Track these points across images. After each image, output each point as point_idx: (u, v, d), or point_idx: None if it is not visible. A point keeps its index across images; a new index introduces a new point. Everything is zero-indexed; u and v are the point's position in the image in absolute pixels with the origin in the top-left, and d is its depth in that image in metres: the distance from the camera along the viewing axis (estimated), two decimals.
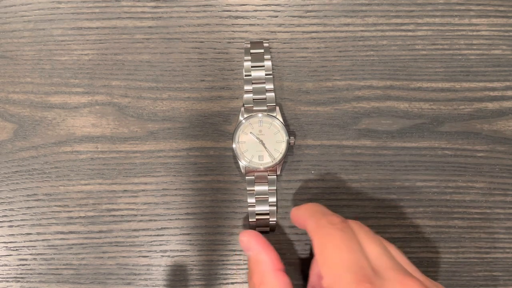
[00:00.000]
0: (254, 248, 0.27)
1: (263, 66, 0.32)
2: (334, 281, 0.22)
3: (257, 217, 0.31)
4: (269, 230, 0.32)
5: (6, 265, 0.32)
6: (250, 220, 0.31)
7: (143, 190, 0.32)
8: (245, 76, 0.31)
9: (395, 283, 0.22)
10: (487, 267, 0.32)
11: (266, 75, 0.32)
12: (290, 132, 0.32)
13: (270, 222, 0.31)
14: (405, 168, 0.32)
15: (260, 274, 0.26)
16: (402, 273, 0.22)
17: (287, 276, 0.26)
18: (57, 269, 0.32)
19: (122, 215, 0.32)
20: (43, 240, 0.32)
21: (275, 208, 0.31)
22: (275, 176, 0.31)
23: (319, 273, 0.25)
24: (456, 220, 0.32)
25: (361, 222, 0.26)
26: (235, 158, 0.32)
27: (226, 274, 0.32)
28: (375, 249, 0.24)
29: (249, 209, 0.31)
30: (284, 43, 0.33)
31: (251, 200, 0.31)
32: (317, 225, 0.24)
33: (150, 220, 0.32)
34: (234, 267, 0.32)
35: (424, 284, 0.22)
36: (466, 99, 0.32)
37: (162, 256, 0.32)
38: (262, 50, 0.32)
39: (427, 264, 0.32)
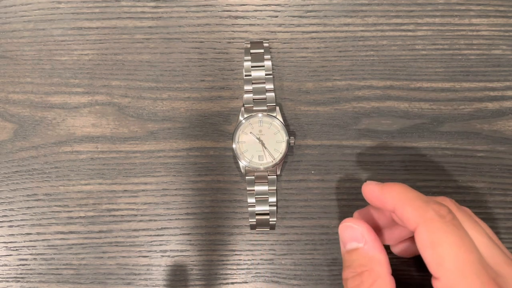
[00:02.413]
0: (369, 242, 0.24)
1: (263, 66, 0.32)
2: (456, 285, 0.20)
3: (257, 217, 0.31)
4: (269, 230, 0.32)
5: (6, 265, 0.32)
6: (250, 220, 0.31)
7: (143, 190, 0.32)
8: (245, 76, 0.31)
9: None
10: None
11: (266, 75, 0.32)
12: (290, 132, 0.32)
13: (270, 222, 0.31)
14: (405, 168, 0.32)
15: (375, 274, 0.23)
16: None
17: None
18: (57, 269, 0.32)
19: (122, 215, 0.32)
20: (43, 240, 0.32)
21: (275, 208, 0.31)
22: (275, 176, 0.31)
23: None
24: None
25: None
26: (235, 158, 0.32)
27: (226, 274, 0.32)
28: (484, 242, 0.22)
29: (249, 209, 0.31)
30: (284, 43, 0.33)
31: (251, 200, 0.31)
32: (423, 218, 0.22)
33: (150, 220, 0.32)
34: (234, 267, 0.32)
35: None
36: (466, 99, 0.32)
37: (162, 256, 0.32)
38: (262, 50, 0.32)
39: None
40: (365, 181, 0.27)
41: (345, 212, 0.32)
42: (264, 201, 0.31)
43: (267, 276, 0.32)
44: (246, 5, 0.33)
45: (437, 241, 0.21)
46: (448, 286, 0.20)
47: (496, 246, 0.22)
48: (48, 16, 0.33)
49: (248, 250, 0.32)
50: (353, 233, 0.25)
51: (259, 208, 0.31)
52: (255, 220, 0.31)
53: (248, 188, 0.31)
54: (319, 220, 0.32)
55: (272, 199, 0.31)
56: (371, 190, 0.25)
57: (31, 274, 0.32)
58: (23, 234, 0.32)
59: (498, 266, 0.21)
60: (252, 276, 0.32)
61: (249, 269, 0.32)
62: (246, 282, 0.32)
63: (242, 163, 0.31)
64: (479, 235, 0.23)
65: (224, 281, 0.32)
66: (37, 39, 0.33)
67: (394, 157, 0.32)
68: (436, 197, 0.25)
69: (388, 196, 0.24)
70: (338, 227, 0.32)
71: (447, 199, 0.25)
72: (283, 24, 0.33)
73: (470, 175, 0.32)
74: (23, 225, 0.32)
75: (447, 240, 0.21)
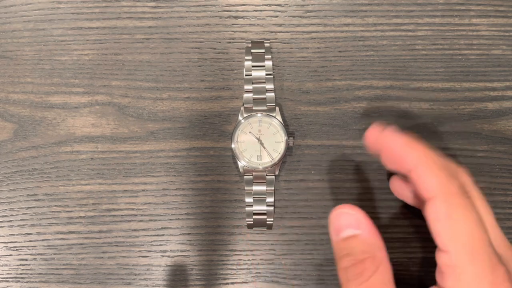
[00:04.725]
0: (367, 228, 0.23)
1: (264, 66, 0.32)
2: (465, 260, 0.20)
3: (254, 216, 0.31)
4: (266, 229, 0.32)
5: (6, 265, 0.32)
6: (247, 220, 0.31)
7: (143, 190, 0.32)
8: (246, 75, 0.31)
9: None
10: None
11: (266, 75, 0.32)
12: (289, 133, 0.32)
13: (267, 222, 0.31)
14: None
15: (377, 261, 0.22)
16: None
17: None
18: (57, 269, 0.32)
19: (122, 215, 0.32)
20: (43, 240, 0.32)
21: (272, 208, 0.31)
22: (273, 177, 0.31)
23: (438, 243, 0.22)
24: None
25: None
26: (234, 157, 0.32)
27: (226, 274, 0.32)
28: (491, 222, 0.22)
29: (247, 208, 0.31)
30: (284, 43, 0.33)
31: (248, 199, 0.31)
32: (445, 191, 0.21)
33: (150, 220, 0.32)
34: (234, 267, 0.32)
35: None
36: (466, 99, 0.32)
37: (162, 256, 0.32)
38: (263, 50, 0.32)
39: (427, 264, 0.32)
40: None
41: None
42: (261, 201, 0.31)
43: (267, 276, 0.32)
44: (246, 5, 0.33)
45: (453, 215, 0.21)
46: (457, 260, 0.20)
47: (499, 228, 0.23)
48: (48, 16, 0.33)
49: (248, 250, 0.32)
50: (349, 220, 0.23)
51: (257, 208, 0.31)
52: (252, 219, 0.31)
53: (246, 188, 0.31)
54: (319, 220, 0.32)
55: (270, 199, 0.31)
56: (391, 143, 0.23)
57: (31, 274, 0.32)
58: (23, 234, 0.32)
59: (500, 249, 0.21)
60: (252, 276, 0.32)
61: (249, 269, 0.32)
62: (246, 282, 0.32)
63: (241, 163, 0.31)
64: (488, 215, 0.22)
65: (224, 281, 0.32)
66: (37, 39, 0.33)
67: None
68: (457, 166, 0.24)
69: (411, 156, 0.22)
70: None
71: (466, 173, 0.24)
72: (283, 24, 0.33)
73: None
74: (23, 225, 0.32)
75: (463, 216, 0.20)
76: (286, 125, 0.32)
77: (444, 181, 0.21)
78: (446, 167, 0.22)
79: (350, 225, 0.23)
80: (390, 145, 0.23)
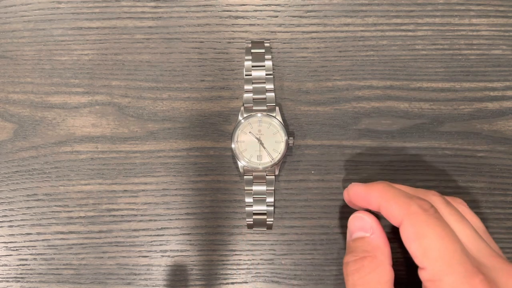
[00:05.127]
0: (376, 233, 0.26)
1: (264, 66, 0.32)
2: (441, 273, 0.21)
3: (254, 216, 0.31)
4: (266, 229, 0.32)
5: (6, 265, 0.32)
6: (247, 220, 0.31)
7: (143, 190, 0.32)
8: (246, 75, 0.31)
9: (504, 273, 0.21)
10: None
11: (266, 75, 0.32)
12: (289, 133, 0.32)
13: (267, 222, 0.31)
14: (405, 168, 0.32)
15: (377, 261, 0.24)
16: (504, 260, 0.22)
17: None
18: (57, 269, 0.32)
19: (122, 215, 0.32)
20: (43, 240, 0.32)
21: (272, 208, 0.31)
22: (274, 177, 0.31)
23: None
24: None
25: None
26: (234, 157, 0.32)
27: (226, 274, 0.32)
28: (469, 234, 0.23)
29: (247, 209, 0.31)
30: (284, 43, 0.33)
31: (248, 199, 0.31)
32: (407, 212, 0.23)
33: (150, 220, 0.32)
34: (234, 267, 0.32)
35: None
36: (466, 99, 0.32)
37: (162, 256, 0.32)
38: (263, 50, 0.32)
39: None
40: (345, 187, 0.28)
41: (345, 212, 0.32)
42: (261, 201, 0.31)
43: (267, 276, 0.32)
44: (246, 5, 0.33)
45: (421, 233, 0.22)
46: (434, 274, 0.21)
47: (480, 238, 0.23)
48: (48, 16, 0.33)
49: (248, 250, 0.32)
50: (363, 224, 0.26)
51: (257, 208, 0.31)
52: (252, 219, 0.31)
53: (246, 188, 0.31)
54: (319, 220, 0.32)
55: (270, 199, 0.31)
56: (356, 192, 0.26)
57: (31, 274, 0.32)
58: (23, 234, 0.32)
59: (482, 258, 0.22)
60: (252, 276, 0.32)
61: (249, 269, 0.32)
62: (246, 282, 0.32)
63: (241, 163, 0.31)
64: (464, 227, 0.23)
65: (224, 281, 0.32)
66: (37, 39, 0.33)
67: (394, 157, 0.32)
68: (427, 190, 0.26)
69: (372, 195, 0.25)
70: (338, 227, 0.32)
71: (436, 193, 0.26)
72: (283, 24, 0.33)
73: (470, 175, 0.32)
74: (23, 225, 0.32)
75: (431, 231, 0.22)
76: (286, 125, 0.32)
77: (403, 204, 0.23)
78: (406, 193, 0.24)
79: (362, 228, 0.26)
80: (357, 196, 0.27)
